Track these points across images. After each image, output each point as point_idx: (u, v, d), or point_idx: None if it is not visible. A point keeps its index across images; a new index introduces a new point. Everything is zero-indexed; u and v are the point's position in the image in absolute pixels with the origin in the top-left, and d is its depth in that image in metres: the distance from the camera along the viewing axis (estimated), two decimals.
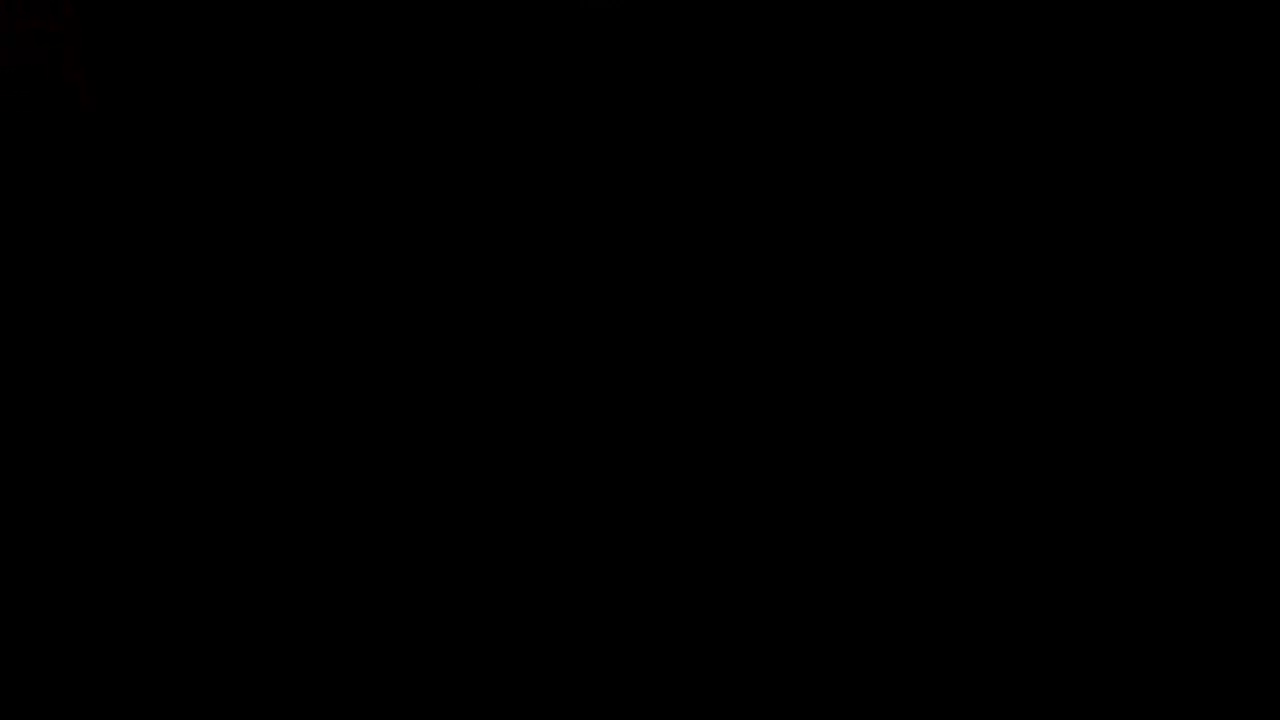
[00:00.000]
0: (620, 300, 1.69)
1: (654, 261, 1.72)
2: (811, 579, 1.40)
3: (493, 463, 1.51)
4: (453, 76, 1.62)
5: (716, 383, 1.57)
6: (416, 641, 1.39)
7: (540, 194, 1.74)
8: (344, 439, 1.71)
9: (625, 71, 1.69)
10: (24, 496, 1.64)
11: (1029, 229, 1.55)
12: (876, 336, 1.57)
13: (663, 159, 1.74)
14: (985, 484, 1.47)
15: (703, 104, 1.71)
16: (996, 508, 1.44)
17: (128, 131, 1.77)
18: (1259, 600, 1.28)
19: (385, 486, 1.51)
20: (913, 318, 1.57)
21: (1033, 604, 1.33)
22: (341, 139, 1.69)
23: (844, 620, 1.34)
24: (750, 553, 1.46)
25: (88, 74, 1.72)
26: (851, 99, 1.63)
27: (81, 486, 1.68)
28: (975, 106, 1.56)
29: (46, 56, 1.69)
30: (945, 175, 1.59)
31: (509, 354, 1.62)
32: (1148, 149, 1.51)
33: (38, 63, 1.70)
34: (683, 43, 1.66)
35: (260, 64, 1.69)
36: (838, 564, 1.41)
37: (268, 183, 1.73)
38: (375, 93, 1.66)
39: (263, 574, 1.53)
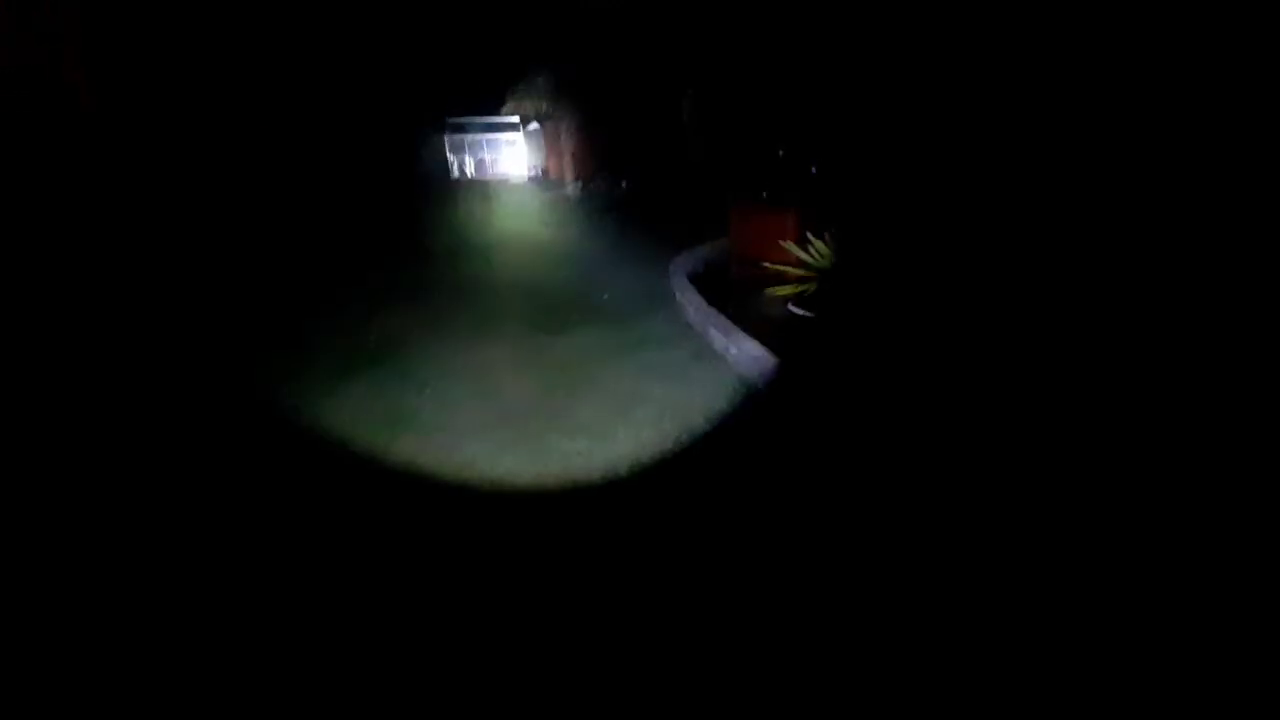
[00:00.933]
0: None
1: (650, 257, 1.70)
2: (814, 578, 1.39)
3: None
4: (451, 76, 1.62)
5: None
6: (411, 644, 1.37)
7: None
8: (342, 437, 1.69)
9: (625, 70, 1.69)
10: (19, 496, 1.63)
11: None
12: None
13: (662, 157, 1.74)
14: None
15: (702, 102, 1.71)
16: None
17: (128, 131, 1.77)
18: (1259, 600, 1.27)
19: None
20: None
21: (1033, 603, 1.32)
22: (340, 138, 1.69)
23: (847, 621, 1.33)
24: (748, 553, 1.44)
25: (88, 74, 1.72)
26: (851, 99, 1.63)
27: (78, 485, 1.67)
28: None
29: (46, 56, 1.69)
30: (946, 174, 1.58)
31: None
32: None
33: (38, 63, 1.69)
34: (681, 42, 1.66)
35: (261, 64, 1.69)
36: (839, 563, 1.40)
37: (268, 182, 1.72)
38: (374, 91, 1.66)
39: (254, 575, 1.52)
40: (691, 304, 3.77)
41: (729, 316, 3.28)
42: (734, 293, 3.69)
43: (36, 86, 2.00)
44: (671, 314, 3.71)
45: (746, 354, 2.84)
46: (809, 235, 3.57)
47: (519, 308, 3.90)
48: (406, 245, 5.29)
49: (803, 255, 3.52)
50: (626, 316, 3.64)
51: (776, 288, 3.53)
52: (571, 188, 8.24)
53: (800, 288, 3.44)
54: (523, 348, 3.13)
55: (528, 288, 4.45)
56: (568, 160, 8.26)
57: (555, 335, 3.29)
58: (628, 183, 7.41)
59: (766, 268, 3.68)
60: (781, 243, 3.65)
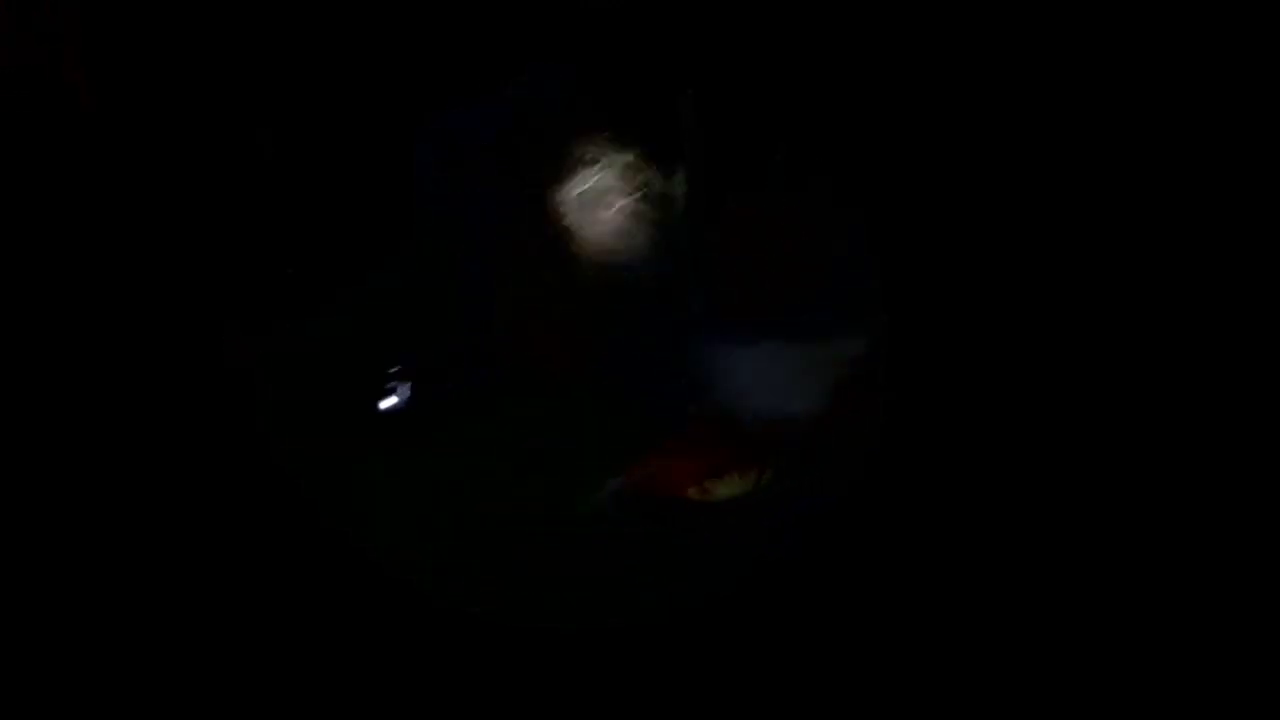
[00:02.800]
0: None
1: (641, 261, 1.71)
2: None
3: None
4: (446, 78, 1.62)
5: None
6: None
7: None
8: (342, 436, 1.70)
9: (624, 70, 1.69)
10: (24, 499, 1.64)
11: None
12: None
13: (661, 159, 1.74)
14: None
15: (702, 101, 1.71)
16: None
17: (128, 131, 1.78)
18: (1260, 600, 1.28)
19: None
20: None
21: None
22: (342, 139, 1.69)
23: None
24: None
25: (88, 74, 1.72)
26: (856, 100, 1.63)
27: (78, 489, 1.68)
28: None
29: (46, 56, 1.70)
30: (941, 177, 1.59)
31: None
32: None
33: (38, 63, 1.70)
34: (681, 43, 1.66)
35: (261, 65, 1.69)
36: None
37: (269, 183, 1.73)
38: (376, 93, 1.66)
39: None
40: None
41: None
42: None
43: (36, 86, 2.00)
44: None
45: None
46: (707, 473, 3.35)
47: None
48: None
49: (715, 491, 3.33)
50: None
51: None
52: None
53: None
54: None
55: None
56: None
57: None
58: None
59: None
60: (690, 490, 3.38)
